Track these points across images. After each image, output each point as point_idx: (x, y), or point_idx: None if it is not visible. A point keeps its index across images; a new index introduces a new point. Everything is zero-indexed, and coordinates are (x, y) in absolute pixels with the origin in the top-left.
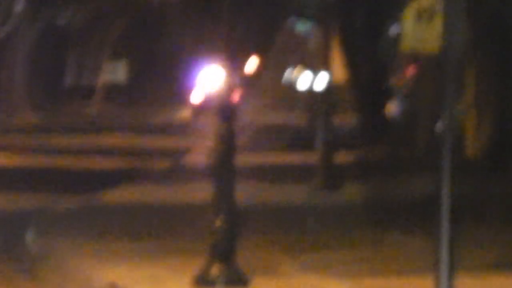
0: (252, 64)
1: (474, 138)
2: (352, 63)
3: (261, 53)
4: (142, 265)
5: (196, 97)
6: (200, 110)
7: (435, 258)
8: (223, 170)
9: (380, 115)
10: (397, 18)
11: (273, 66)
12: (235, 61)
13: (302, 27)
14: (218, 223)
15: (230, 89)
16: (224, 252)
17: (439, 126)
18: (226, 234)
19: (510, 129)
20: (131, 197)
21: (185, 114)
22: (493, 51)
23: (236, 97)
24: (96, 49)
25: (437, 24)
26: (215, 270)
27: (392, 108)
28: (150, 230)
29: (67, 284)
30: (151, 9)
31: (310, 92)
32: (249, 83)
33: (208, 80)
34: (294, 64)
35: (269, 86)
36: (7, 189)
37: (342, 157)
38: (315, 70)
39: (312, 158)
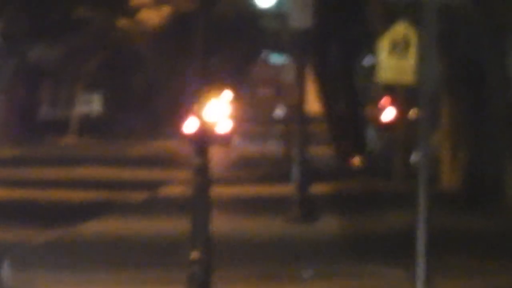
0: (227, 97)
1: (450, 170)
2: (327, 95)
3: (236, 86)
4: None
5: (188, 127)
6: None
7: None
8: (200, 202)
9: (355, 147)
10: (371, 51)
11: (248, 99)
12: (209, 94)
13: (276, 60)
14: (195, 254)
15: (205, 122)
16: (201, 283)
17: (414, 158)
18: (202, 265)
19: (485, 161)
20: (109, 229)
21: (161, 146)
22: (467, 83)
23: (212, 130)
24: (71, 82)
25: (411, 57)
26: None
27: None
28: (128, 261)
29: None
30: (126, 43)
31: (286, 124)
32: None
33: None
34: (269, 98)
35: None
36: None
37: (319, 189)
38: (291, 102)
39: (288, 190)
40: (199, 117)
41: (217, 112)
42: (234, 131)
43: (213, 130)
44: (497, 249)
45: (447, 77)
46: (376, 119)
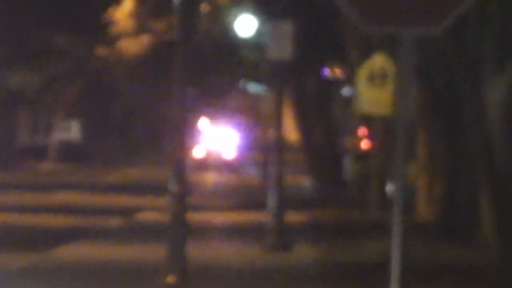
0: (204, 124)
1: (426, 201)
2: (305, 125)
3: (214, 114)
4: None
5: (198, 152)
6: (201, 165)
7: None
8: (176, 228)
9: (332, 176)
10: (349, 81)
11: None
12: (188, 121)
13: (254, 89)
14: (170, 279)
15: (184, 148)
16: None
17: (390, 189)
18: None
19: (460, 193)
20: (85, 255)
21: (138, 172)
22: (444, 115)
23: (190, 156)
24: (50, 108)
25: (389, 88)
26: None
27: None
28: (104, 287)
29: None
30: (105, 71)
31: (264, 152)
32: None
33: (210, 137)
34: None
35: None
36: None
37: (295, 218)
38: (268, 131)
39: (264, 218)
40: (180, 144)
41: (223, 140)
42: (241, 158)
43: (221, 157)
44: (471, 281)
45: (423, 108)
46: (353, 148)
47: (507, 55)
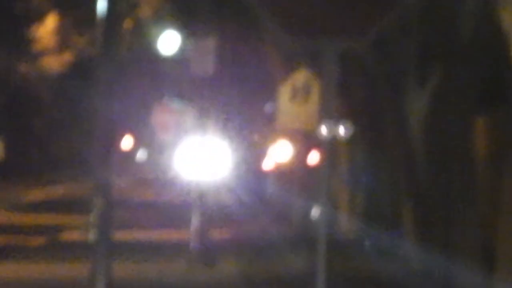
0: (127, 142)
1: (348, 215)
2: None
3: (136, 131)
4: None
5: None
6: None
7: None
8: (101, 246)
9: (255, 191)
10: (273, 97)
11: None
12: (111, 137)
13: (177, 105)
14: None
15: (108, 166)
16: None
17: (315, 212)
18: None
19: (382, 205)
20: (8, 275)
21: (61, 190)
22: (365, 129)
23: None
24: None
25: (312, 103)
26: None
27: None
28: None
29: None
30: (27, 87)
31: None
32: (124, 160)
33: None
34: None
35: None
36: None
37: (218, 234)
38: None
39: (188, 234)
40: (104, 160)
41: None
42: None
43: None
44: None
45: (344, 120)
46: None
47: (428, 66)
